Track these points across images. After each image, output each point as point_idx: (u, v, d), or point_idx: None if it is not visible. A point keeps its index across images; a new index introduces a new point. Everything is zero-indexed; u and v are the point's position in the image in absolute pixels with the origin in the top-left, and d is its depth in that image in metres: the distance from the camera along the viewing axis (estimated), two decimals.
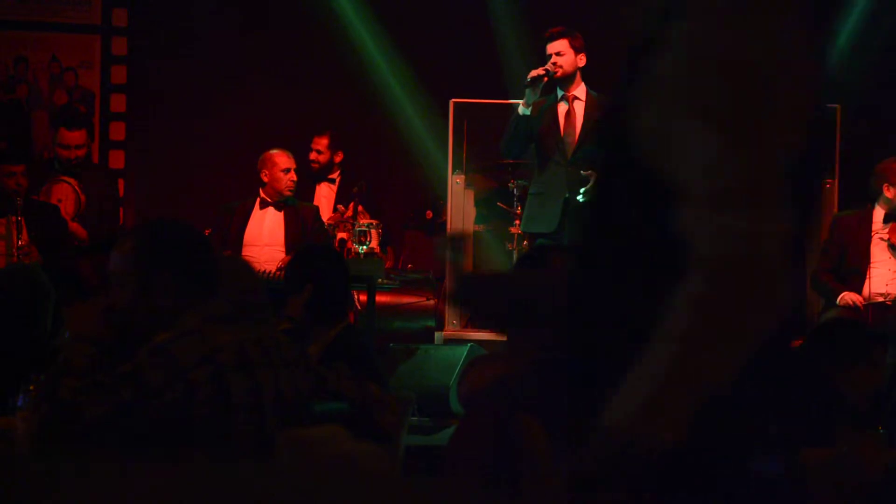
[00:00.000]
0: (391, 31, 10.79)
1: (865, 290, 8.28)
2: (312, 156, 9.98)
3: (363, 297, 8.75)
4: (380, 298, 9.04)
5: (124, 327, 3.41)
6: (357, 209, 9.54)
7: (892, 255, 8.35)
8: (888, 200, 8.40)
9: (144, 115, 11.10)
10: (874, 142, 9.49)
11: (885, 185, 8.41)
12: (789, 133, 2.24)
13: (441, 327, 9.30)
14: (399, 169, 10.85)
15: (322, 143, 9.99)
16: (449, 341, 8.85)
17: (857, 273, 8.37)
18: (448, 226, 9.43)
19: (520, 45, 10.37)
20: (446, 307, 9.35)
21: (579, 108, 8.08)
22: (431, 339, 9.12)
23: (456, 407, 7.43)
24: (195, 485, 2.90)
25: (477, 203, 9.79)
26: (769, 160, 2.21)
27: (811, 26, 2.40)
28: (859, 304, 8.23)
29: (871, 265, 8.36)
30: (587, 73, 8.14)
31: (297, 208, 9.03)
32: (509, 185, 9.51)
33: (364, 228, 9.00)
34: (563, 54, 7.97)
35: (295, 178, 8.98)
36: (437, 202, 10.28)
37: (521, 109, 7.94)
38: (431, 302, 9.81)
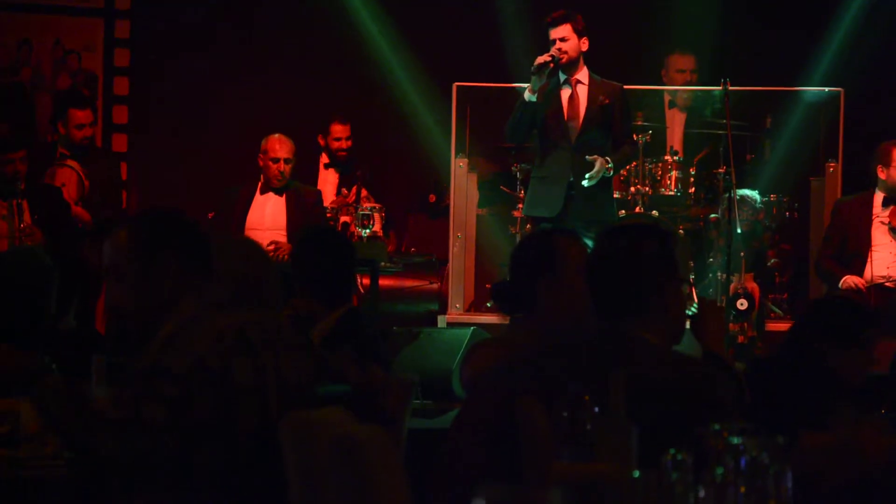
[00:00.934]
0: (394, 15, 10.78)
1: (867, 274, 8.31)
2: (336, 144, 9.98)
3: (366, 281, 8.76)
4: (383, 282, 9.05)
5: (128, 322, 3.42)
6: (360, 193, 9.54)
7: (893, 238, 8.36)
8: (883, 183, 8.43)
9: (148, 99, 11.09)
10: (878, 125, 9.48)
11: (879, 167, 8.45)
12: None
13: (444, 311, 9.30)
14: (402, 153, 10.84)
15: (346, 131, 10.00)
16: (452, 325, 8.86)
17: (858, 257, 8.40)
18: (451, 209, 9.42)
19: (523, 29, 10.36)
20: (449, 290, 9.36)
21: (583, 92, 8.05)
22: (434, 323, 9.13)
23: (458, 390, 7.43)
24: None
25: (480, 186, 9.79)
26: None
27: None
28: (861, 287, 8.25)
29: (873, 248, 8.39)
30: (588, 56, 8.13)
31: (298, 192, 9.02)
32: (512, 168, 9.52)
33: (367, 212, 9.00)
34: (567, 39, 7.94)
35: (284, 169, 8.89)
36: (441, 186, 10.28)
37: (526, 96, 7.92)
38: (434, 285, 9.82)
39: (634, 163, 9.02)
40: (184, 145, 10.98)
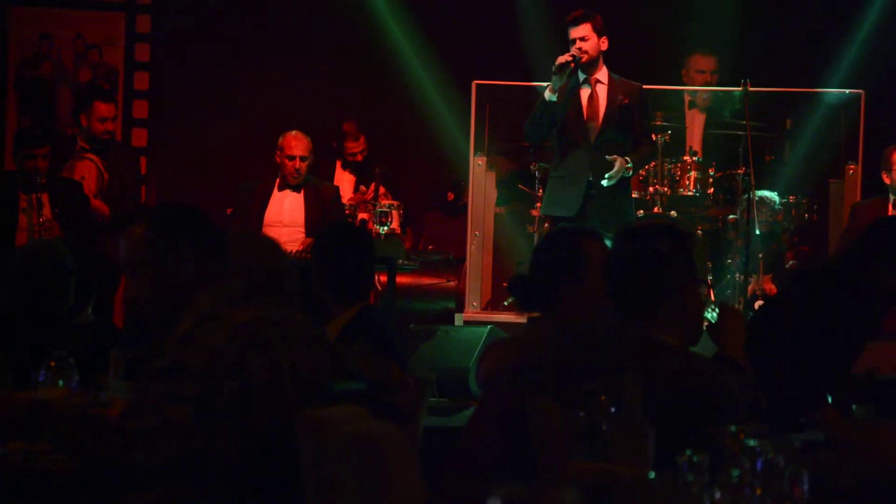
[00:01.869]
0: (414, 13, 10.77)
1: None
2: (351, 159, 10.01)
3: (383, 278, 8.76)
4: (400, 279, 9.05)
5: (145, 316, 3.42)
6: (378, 190, 9.54)
7: None
8: (890, 188, 8.45)
9: (168, 94, 11.11)
10: None
11: (884, 172, 8.47)
12: None
13: (461, 309, 9.30)
14: (421, 150, 10.84)
15: (358, 146, 10.03)
16: (469, 323, 8.86)
17: None
18: (469, 207, 9.42)
19: (542, 27, 10.35)
20: (467, 288, 9.36)
21: (602, 91, 8.04)
22: (451, 321, 9.12)
23: (475, 388, 7.44)
24: None
25: (498, 185, 9.78)
26: None
27: None
28: None
29: None
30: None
31: (316, 188, 9.02)
32: (531, 167, 9.51)
33: (385, 209, 9.00)
34: (587, 39, 7.92)
35: (299, 166, 8.87)
36: (459, 184, 10.27)
37: (547, 95, 7.90)
38: (452, 283, 9.82)
39: (653, 163, 9.02)
40: (203, 140, 11.00)
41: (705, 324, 3.63)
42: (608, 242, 4.03)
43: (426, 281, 9.78)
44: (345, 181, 9.98)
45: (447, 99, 10.56)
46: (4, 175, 9.31)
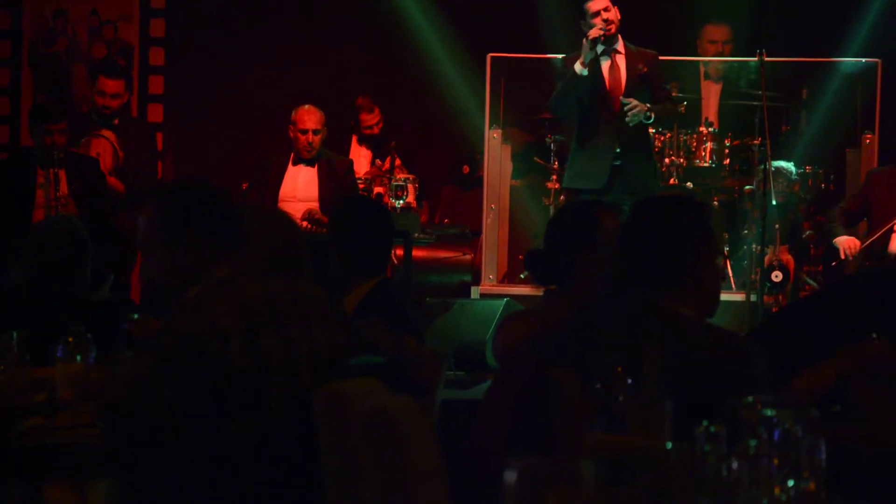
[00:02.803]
0: None
1: (893, 245, 8.30)
2: (368, 132, 9.98)
3: (400, 252, 8.76)
4: (416, 253, 9.05)
5: (161, 290, 3.45)
6: (394, 164, 9.54)
7: None
8: None
9: (183, 69, 11.11)
10: None
11: None
12: None
13: (477, 282, 9.31)
14: (436, 124, 10.83)
15: (374, 118, 10.00)
16: (485, 296, 8.87)
17: (883, 228, 8.38)
18: (485, 180, 9.42)
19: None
20: (483, 262, 9.36)
21: (621, 62, 8.00)
22: (468, 294, 9.13)
23: (491, 361, 7.45)
24: None
25: (514, 158, 9.78)
26: None
27: None
28: (850, 253, 8.28)
29: None
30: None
31: (330, 162, 9.02)
32: (546, 139, 9.50)
33: (401, 183, 9.01)
34: (609, 10, 7.88)
35: (312, 140, 8.86)
36: (474, 157, 10.27)
37: (578, 69, 7.82)
38: (468, 256, 9.82)
39: (669, 133, 9.01)
40: (219, 116, 11.00)
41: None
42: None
43: (442, 254, 9.78)
44: (361, 156, 9.97)
45: (462, 72, 10.54)
46: (22, 151, 9.34)
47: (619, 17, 7.93)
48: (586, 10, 7.89)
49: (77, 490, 3.91)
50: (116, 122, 8.93)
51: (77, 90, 10.79)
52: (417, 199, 9.24)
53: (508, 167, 9.67)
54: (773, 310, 8.30)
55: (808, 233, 9.46)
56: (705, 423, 2.39)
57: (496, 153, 9.43)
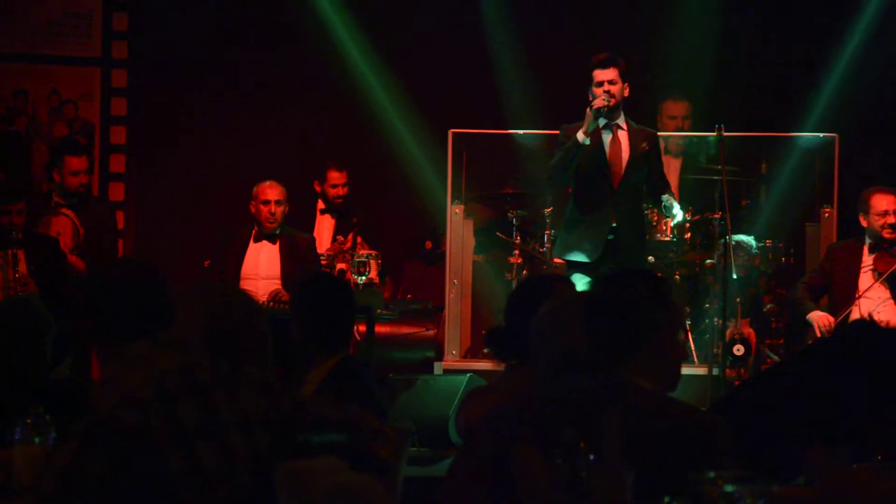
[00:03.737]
0: (389, 63, 10.81)
1: (854, 317, 8.33)
2: (333, 192, 9.98)
3: (362, 328, 8.75)
4: (379, 329, 9.04)
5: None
6: (356, 240, 9.55)
7: (880, 284, 8.40)
8: (866, 230, 8.49)
9: (144, 148, 11.12)
10: (873, 171, 9.52)
11: (860, 215, 8.52)
12: None
13: (440, 357, 9.29)
14: (398, 199, 10.85)
15: (342, 178, 10.01)
16: (448, 371, 8.85)
17: (845, 303, 8.43)
18: (447, 256, 9.43)
19: (516, 75, 10.40)
20: (446, 337, 9.35)
21: (623, 137, 7.95)
22: (431, 370, 9.11)
23: (455, 437, 7.42)
24: None
25: (476, 233, 9.80)
26: None
27: None
28: (825, 330, 8.29)
29: (860, 296, 8.42)
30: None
31: (293, 239, 9.03)
32: (508, 214, 9.53)
33: (363, 259, 9.00)
34: (615, 83, 7.87)
35: (274, 210, 8.92)
36: (437, 232, 10.28)
37: (580, 138, 7.75)
38: (431, 332, 9.81)
39: None
40: (180, 194, 11.00)
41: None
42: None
43: (405, 330, 9.77)
44: (324, 228, 9.98)
45: (423, 148, 10.59)
46: None
47: (625, 95, 7.91)
48: (592, 78, 7.91)
49: None
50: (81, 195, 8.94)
51: (37, 169, 10.77)
52: (380, 274, 9.24)
53: (471, 242, 9.69)
54: (735, 383, 8.31)
55: (769, 306, 9.50)
56: (667, 498, 2.39)
57: (458, 228, 9.45)
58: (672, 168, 9.77)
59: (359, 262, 8.99)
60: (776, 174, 9.82)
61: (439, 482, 3.69)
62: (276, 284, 8.85)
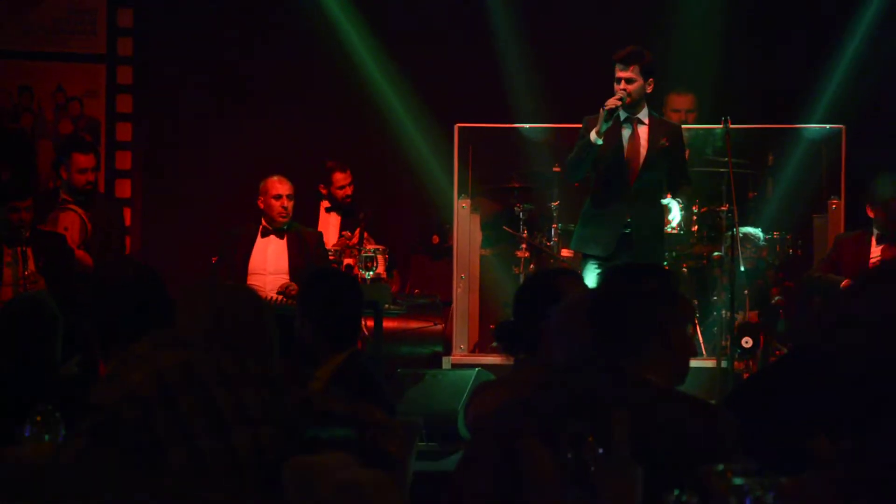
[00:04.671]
0: (396, 57, 10.81)
1: None
2: (340, 193, 9.96)
3: (370, 323, 8.75)
4: (387, 324, 9.04)
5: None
6: (363, 235, 9.54)
7: None
8: (873, 221, 8.48)
9: (150, 144, 11.12)
10: (879, 162, 9.49)
11: (868, 206, 8.50)
12: None
13: (449, 352, 9.30)
14: (405, 194, 10.85)
15: (347, 178, 9.99)
16: (456, 366, 8.85)
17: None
18: (454, 250, 9.43)
19: (524, 69, 10.39)
20: (454, 331, 9.36)
21: (643, 132, 7.91)
22: (439, 364, 9.11)
23: (463, 432, 7.42)
24: None
25: (483, 227, 9.80)
26: None
27: None
28: None
29: None
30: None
31: (299, 234, 9.03)
32: (515, 208, 9.52)
33: (370, 254, 9.00)
34: (633, 81, 7.82)
35: (286, 205, 8.92)
36: (443, 227, 10.28)
37: (593, 138, 7.72)
38: (439, 326, 9.81)
39: None
40: (187, 190, 11.00)
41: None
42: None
43: (413, 325, 9.77)
44: (330, 225, 9.97)
45: (430, 142, 10.58)
46: None
47: (648, 91, 7.86)
48: (615, 72, 7.87)
49: None
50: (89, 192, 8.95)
51: (43, 166, 10.77)
52: (387, 269, 9.23)
53: (478, 236, 9.69)
54: (744, 376, 8.30)
55: (776, 298, 9.48)
56: (676, 491, 2.39)
57: (465, 223, 9.45)
58: None
59: (366, 257, 8.98)
60: (783, 166, 9.80)
61: (448, 477, 3.69)
62: (284, 279, 8.85)
